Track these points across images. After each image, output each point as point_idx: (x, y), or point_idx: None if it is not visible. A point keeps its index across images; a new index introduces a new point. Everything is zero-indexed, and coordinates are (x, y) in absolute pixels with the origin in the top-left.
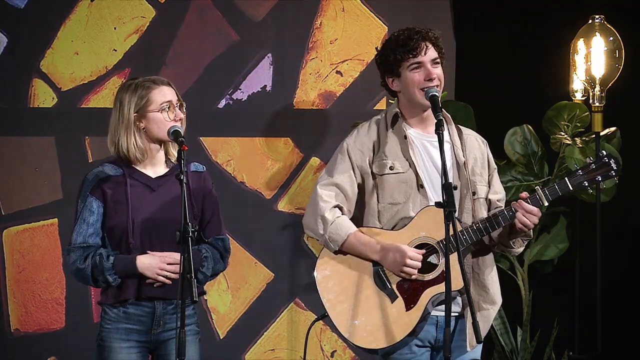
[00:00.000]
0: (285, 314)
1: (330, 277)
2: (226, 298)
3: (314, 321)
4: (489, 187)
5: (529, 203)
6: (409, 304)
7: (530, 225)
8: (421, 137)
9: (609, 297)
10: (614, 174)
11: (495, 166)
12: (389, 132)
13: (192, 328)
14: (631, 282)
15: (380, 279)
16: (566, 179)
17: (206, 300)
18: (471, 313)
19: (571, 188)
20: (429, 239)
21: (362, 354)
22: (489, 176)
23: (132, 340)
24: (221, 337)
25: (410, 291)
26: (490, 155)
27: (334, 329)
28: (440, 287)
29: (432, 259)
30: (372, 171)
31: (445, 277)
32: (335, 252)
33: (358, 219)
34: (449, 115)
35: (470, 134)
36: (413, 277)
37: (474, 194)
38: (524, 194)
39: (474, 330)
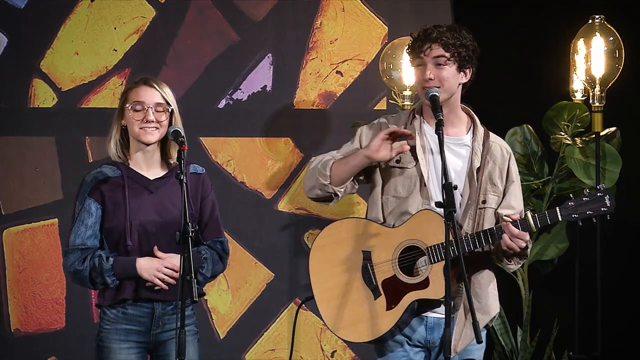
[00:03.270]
0: (285, 314)
1: (323, 262)
2: (226, 298)
3: (302, 303)
4: (502, 199)
5: (517, 226)
6: (390, 304)
7: (516, 249)
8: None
9: (609, 297)
10: (606, 211)
11: (515, 180)
12: (406, 127)
13: (191, 328)
14: (631, 282)
15: (367, 274)
16: (557, 209)
17: (206, 300)
18: (471, 313)
19: (560, 219)
20: (419, 243)
21: (351, 346)
22: (505, 188)
23: (132, 341)
24: (221, 337)
25: (394, 291)
26: (513, 169)
27: (319, 315)
28: (422, 293)
29: (420, 262)
30: None
31: (444, 277)
32: (331, 186)
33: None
34: (477, 118)
35: (496, 142)
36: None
37: (483, 202)
38: (515, 216)
39: (474, 330)
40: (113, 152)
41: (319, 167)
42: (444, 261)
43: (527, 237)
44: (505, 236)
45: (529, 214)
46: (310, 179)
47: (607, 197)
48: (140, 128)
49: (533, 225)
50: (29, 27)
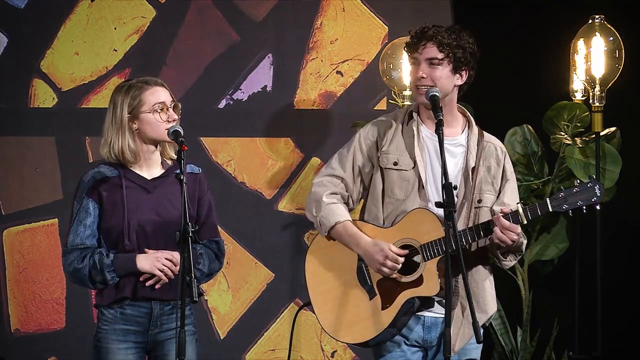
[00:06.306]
0: (285, 314)
1: (318, 266)
2: (226, 298)
3: (300, 307)
4: (497, 197)
5: (509, 219)
6: (386, 303)
7: (508, 242)
8: (434, 137)
9: (609, 297)
10: (596, 200)
11: (510, 179)
12: (403, 127)
13: (190, 328)
14: (631, 282)
15: (362, 274)
16: (547, 200)
17: (206, 300)
18: (471, 313)
19: (551, 210)
20: (413, 241)
21: (351, 346)
22: (500, 187)
23: (130, 341)
24: (221, 337)
25: (389, 291)
26: (508, 167)
27: (315, 315)
28: (417, 291)
29: (415, 260)
30: (378, 161)
31: (445, 278)
32: (328, 239)
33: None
34: (472, 118)
35: (491, 141)
36: (392, 276)
37: (479, 201)
38: (506, 209)
39: (473, 330)
40: (127, 159)
41: (323, 211)
42: (437, 258)
43: (519, 229)
44: (497, 229)
45: (520, 206)
46: (311, 215)
47: (597, 187)
48: (167, 128)
49: (523, 217)
50: (29, 27)
